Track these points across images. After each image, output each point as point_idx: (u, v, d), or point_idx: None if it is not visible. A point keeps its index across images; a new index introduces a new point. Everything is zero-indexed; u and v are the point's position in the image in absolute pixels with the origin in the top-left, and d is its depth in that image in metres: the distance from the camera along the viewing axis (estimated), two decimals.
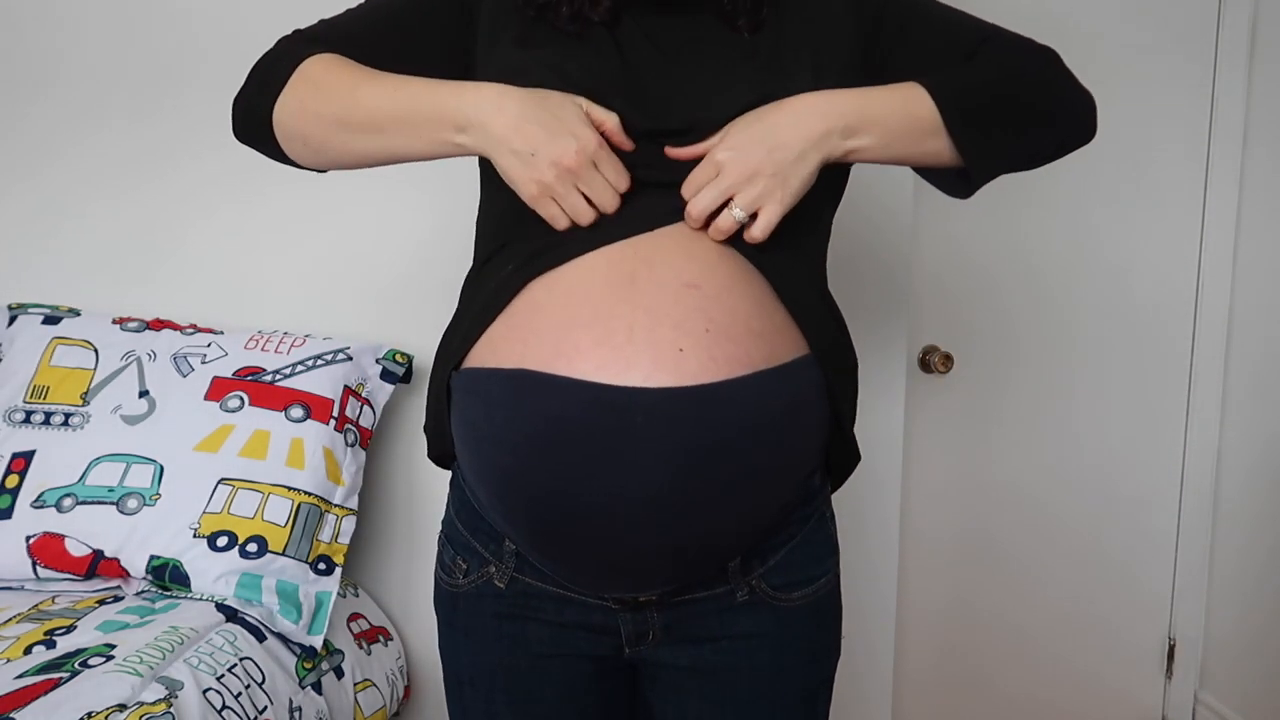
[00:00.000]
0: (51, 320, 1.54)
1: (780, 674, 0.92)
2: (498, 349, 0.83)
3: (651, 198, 0.84)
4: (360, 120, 0.84)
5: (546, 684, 0.92)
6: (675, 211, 0.83)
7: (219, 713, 1.08)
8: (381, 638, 1.55)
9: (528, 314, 0.83)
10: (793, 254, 0.88)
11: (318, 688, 1.31)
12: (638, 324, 0.78)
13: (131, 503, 1.35)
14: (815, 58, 0.89)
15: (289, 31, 0.92)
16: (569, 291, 0.81)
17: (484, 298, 0.88)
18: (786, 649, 0.92)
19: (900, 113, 0.83)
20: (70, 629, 1.17)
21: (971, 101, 0.84)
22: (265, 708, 1.16)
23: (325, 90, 0.85)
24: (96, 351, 1.49)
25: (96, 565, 1.33)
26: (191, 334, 1.54)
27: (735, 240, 0.84)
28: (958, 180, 0.90)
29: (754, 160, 0.80)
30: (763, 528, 0.88)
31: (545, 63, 0.86)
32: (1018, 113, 0.87)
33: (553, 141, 0.78)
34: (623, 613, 0.89)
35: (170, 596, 1.32)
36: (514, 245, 0.88)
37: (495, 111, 0.79)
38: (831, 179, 0.90)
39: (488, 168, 0.90)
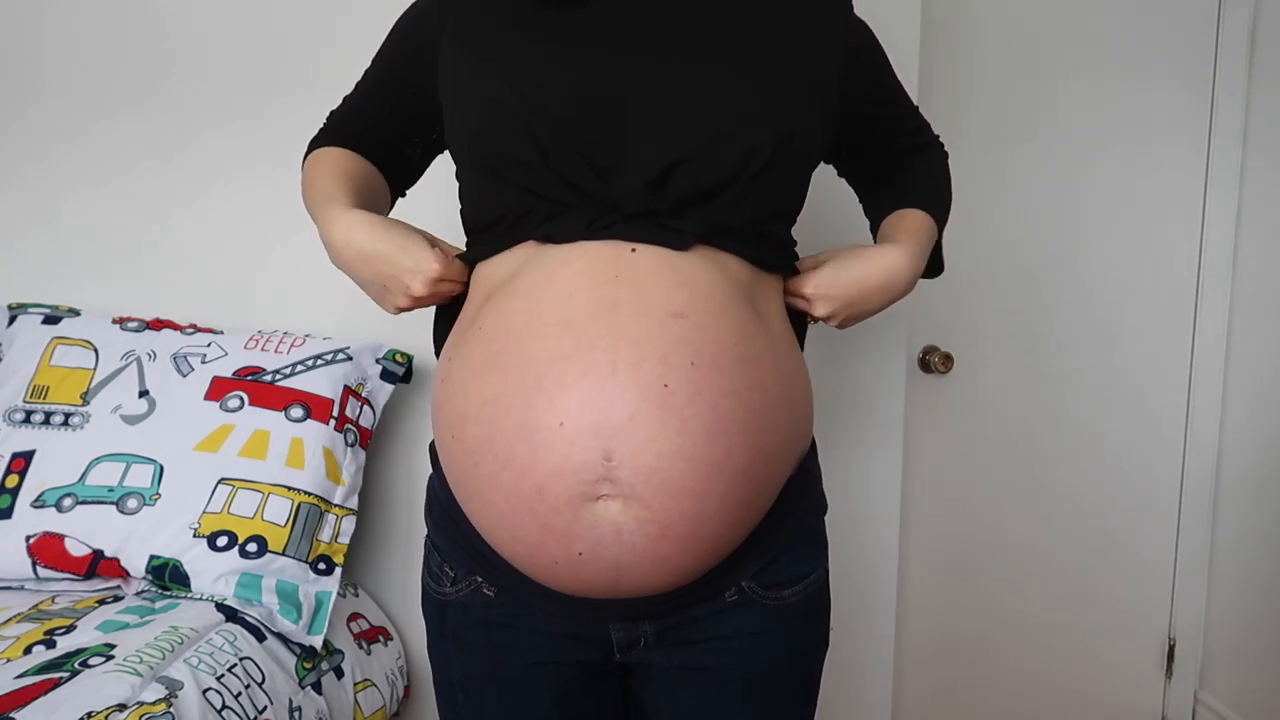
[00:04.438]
0: (51, 320, 1.54)
1: (771, 670, 0.92)
2: (479, 374, 0.81)
3: (632, 226, 0.82)
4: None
5: (540, 690, 0.92)
6: (654, 233, 0.82)
7: (219, 713, 1.08)
8: (381, 638, 1.55)
9: (507, 341, 0.80)
10: (771, 269, 0.91)
11: (318, 688, 1.31)
12: (621, 358, 0.76)
13: (131, 502, 1.35)
14: (802, 66, 0.90)
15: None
16: (548, 320, 0.79)
17: (470, 308, 0.89)
18: (777, 646, 0.92)
19: (930, 245, 1.02)
20: (70, 629, 1.17)
21: (944, 213, 1.08)
22: (265, 708, 1.16)
23: (302, 191, 1.02)
24: (96, 351, 1.49)
25: (96, 565, 1.33)
26: (191, 334, 1.54)
27: (722, 262, 0.84)
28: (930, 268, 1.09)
29: (839, 310, 0.95)
30: (750, 537, 0.88)
31: (497, 100, 0.85)
32: (949, 205, 1.12)
33: (384, 299, 0.92)
34: (614, 622, 0.89)
35: (170, 596, 1.32)
36: (498, 233, 0.88)
37: (340, 247, 0.90)
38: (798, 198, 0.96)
39: (461, 166, 0.92)
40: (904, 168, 1.10)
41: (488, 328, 0.83)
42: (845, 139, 1.03)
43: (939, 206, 1.06)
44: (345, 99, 1.08)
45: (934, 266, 1.09)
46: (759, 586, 0.90)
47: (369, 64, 1.05)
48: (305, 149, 1.08)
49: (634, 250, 0.81)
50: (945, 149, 1.14)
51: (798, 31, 0.91)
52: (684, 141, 0.83)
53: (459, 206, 0.96)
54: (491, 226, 0.88)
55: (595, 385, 0.76)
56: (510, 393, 0.78)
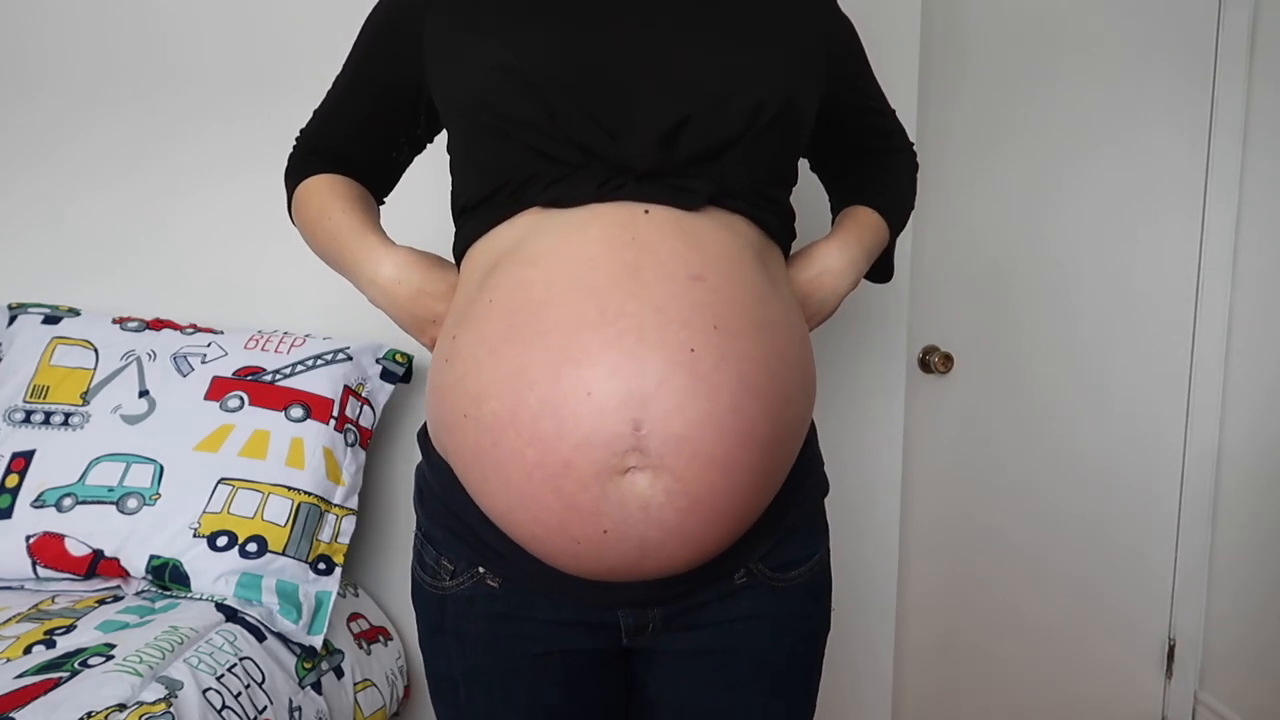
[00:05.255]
0: (51, 320, 1.54)
1: (778, 652, 0.92)
2: (496, 349, 0.78)
3: (644, 186, 0.81)
4: (319, 255, 1.02)
5: (546, 680, 0.91)
6: (666, 193, 0.81)
7: (219, 713, 1.08)
8: (381, 638, 1.55)
9: (526, 312, 0.78)
10: (777, 237, 0.91)
11: (317, 688, 1.31)
12: (647, 324, 0.75)
13: (131, 502, 1.35)
14: (795, 39, 0.90)
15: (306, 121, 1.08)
16: (570, 287, 0.77)
17: (477, 280, 0.87)
18: (784, 628, 0.92)
19: (877, 247, 1.03)
20: (70, 629, 1.17)
21: (900, 219, 1.09)
22: (265, 708, 1.16)
23: (300, 223, 1.03)
24: (96, 351, 1.49)
25: (96, 565, 1.33)
26: (191, 334, 1.54)
27: (732, 224, 0.84)
28: (878, 272, 1.10)
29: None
30: (761, 516, 0.87)
31: (500, 64, 0.83)
32: (909, 213, 1.13)
33: (424, 331, 0.94)
34: (622, 608, 0.88)
35: (170, 596, 1.32)
36: (498, 204, 0.86)
37: (392, 285, 0.92)
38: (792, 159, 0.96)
39: (459, 137, 0.91)
40: (870, 168, 1.10)
41: (500, 299, 0.80)
42: (820, 130, 1.02)
43: (896, 211, 1.07)
44: (316, 113, 1.05)
45: (884, 271, 1.09)
46: (767, 568, 0.90)
47: (339, 71, 1.03)
48: (285, 175, 1.06)
49: (647, 212, 0.80)
50: (916, 158, 1.14)
51: (787, 12, 0.92)
52: (693, 98, 0.82)
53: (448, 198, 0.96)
54: (491, 198, 0.87)
55: (623, 353, 0.74)
56: (535, 364, 0.76)
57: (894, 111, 1.12)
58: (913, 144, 1.15)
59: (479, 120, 0.85)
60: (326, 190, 1.00)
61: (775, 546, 0.90)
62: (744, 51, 0.86)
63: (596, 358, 0.74)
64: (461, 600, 0.91)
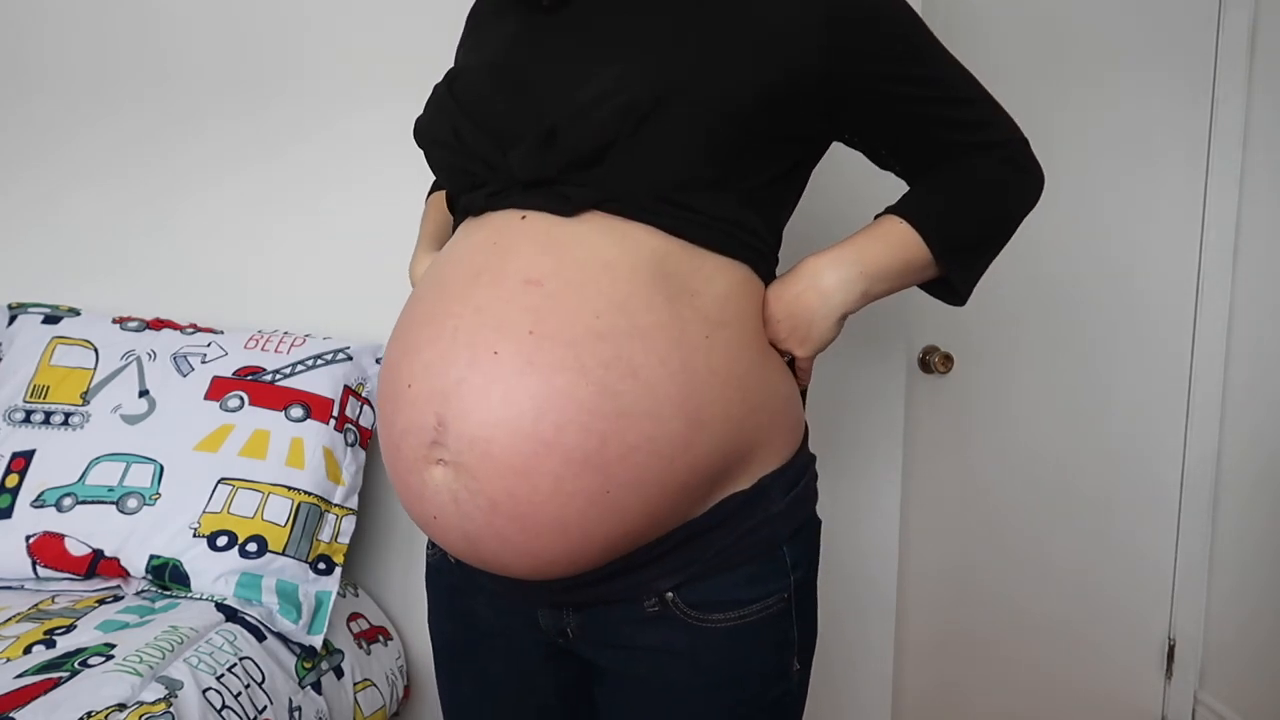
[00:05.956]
0: (51, 320, 1.54)
1: (695, 694, 0.85)
2: (390, 341, 0.87)
3: (528, 195, 0.81)
4: None
5: (496, 660, 0.95)
6: (545, 200, 0.80)
7: (219, 712, 1.08)
8: (381, 637, 1.55)
9: (406, 309, 0.86)
10: (709, 245, 0.83)
11: (317, 687, 1.31)
12: (463, 324, 0.77)
13: (131, 502, 1.35)
14: (749, 25, 0.82)
15: None
16: (431, 286, 0.84)
17: None
18: (704, 671, 0.85)
19: (900, 265, 0.90)
20: (70, 628, 1.17)
21: (958, 231, 0.92)
22: (265, 707, 1.16)
23: None
24: (96, 351, 1.49)
25: (96, 565, 1.33)
26: (191, 334, 1.54)
27: (625, 231, 0.79)
28: (945, 291, 0.98)
29: (793, 345, 0.89)
30: (664, 544, 0.82)
31: (434, 94, 0.92)
32: (998, 233, 0.97)
33: None
34: (540, 608, 0.89)
35: (170, 596, 1.32)
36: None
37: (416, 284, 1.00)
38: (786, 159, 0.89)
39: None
40: (934, 170, 0.93)
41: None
42: (861, 127, 0.92)
43: (948, 221, 0.91)
44: None
45: (948, 290, 0.96)
46: (684, 604, 0.83)
47: None
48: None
49: (524, 218, 0.81)
50: (1013, 152, 0.95)
51: (746, 6, 0.83)
52: (566, 103, 0.80)
53: None
54: (451, 210, 0.96)
55: (436, 350, 0.78)
56: (392, 355, 0.84)
57: (985, 98, 0.95)
58: (1018, 137, 0.96)
59: (422, 146, 0.93)
60: (429, 205, 1.13)
61: (689, 581, 0.83)
62: (630, 52, 0.82)
63: (420, 352, 0.79)
64: (433, 570, 0.99)
